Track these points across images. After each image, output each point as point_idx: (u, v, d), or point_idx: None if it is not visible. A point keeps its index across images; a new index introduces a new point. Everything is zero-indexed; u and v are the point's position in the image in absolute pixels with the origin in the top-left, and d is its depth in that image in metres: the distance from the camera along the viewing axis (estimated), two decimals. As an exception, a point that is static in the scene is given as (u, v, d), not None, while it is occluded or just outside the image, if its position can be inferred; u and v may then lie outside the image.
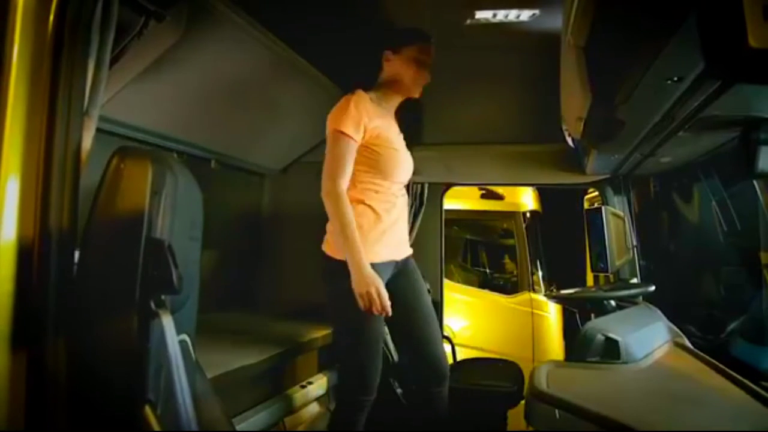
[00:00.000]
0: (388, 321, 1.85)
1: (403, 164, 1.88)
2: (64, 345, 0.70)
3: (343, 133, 1.73)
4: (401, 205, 1.89)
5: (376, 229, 1.78)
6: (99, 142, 0.98)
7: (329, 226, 1.80)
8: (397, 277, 1.85)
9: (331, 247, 1.79)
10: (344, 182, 1.71)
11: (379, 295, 1.64)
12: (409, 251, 1.95)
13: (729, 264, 2.35)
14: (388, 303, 1.65)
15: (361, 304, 1.64)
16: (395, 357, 2.35)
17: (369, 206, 1.78)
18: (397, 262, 1.86)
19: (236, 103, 2.26)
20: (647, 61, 1.05)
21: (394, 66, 1.88)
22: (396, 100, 1.93)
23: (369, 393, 1.77)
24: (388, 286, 1.72)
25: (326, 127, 1.79)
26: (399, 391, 2.36)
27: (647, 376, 1.55)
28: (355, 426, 1.78)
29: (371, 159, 1.79)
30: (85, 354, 0.70)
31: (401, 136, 1.94)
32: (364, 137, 1.76)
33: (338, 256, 1.72)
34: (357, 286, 1.64)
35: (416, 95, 1.91)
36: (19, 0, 0.70)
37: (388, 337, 2.36)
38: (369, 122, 1.76)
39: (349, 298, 1.66)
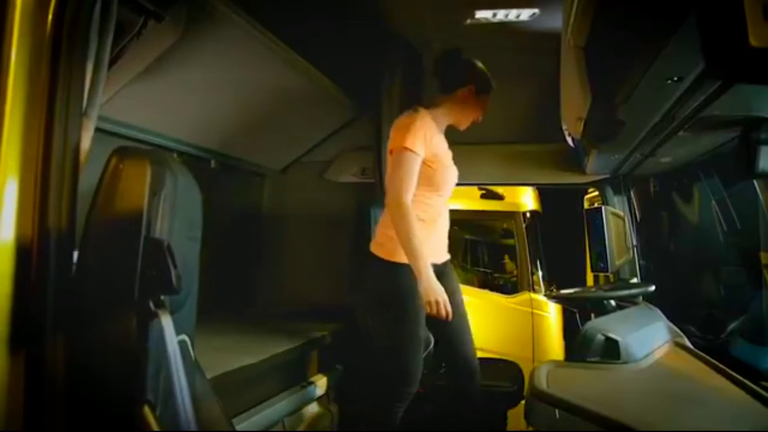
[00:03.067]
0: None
1: (451, 179, 2.02)
2: (63, 345, 0.70)
3: (410, 149, 1.84)
4: (445, 214, 2.04)
5: (426, 237, 1.88)
6: (98, 143, 0.98)
7: (384, 231, 1.93)
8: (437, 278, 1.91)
9: (385, 249, 1.91)
10: (410, 196, 1.83)
11: (444, 303, 1.78)
12: (447, 256, 2.08)
13: (729, 264, 2.35)
14: (450, 310, 1.80)
15: (428, 309, 1.78)
16: None
17: (420, 218, 1.89)
18: (437, 265, 1.95)
19: (236, 103, 2.26)
20: (647, 61, 1.05)
21: (465, 98, 2.02)
22: (446, 123, 2.07)
23: (413, 384, 1.88)
24: None
25: (390, 141, 1.92)
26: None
27: (647, 376, 1.55)
28: (395, 417, 1.89)
29: (427, 175, 1.91)
30: (83, 354, 0.70)
31: (449, 153, 2.07)
32: (425, 154, 1.89)
33: (393, 259, 1.86)
34: (426, 294, 1.77)
35: (462, 128, 2.08)
36: (18, 0, 0.70)
37: None
38: (430, 140, 1.90)
39: (399, 299, 1.84)
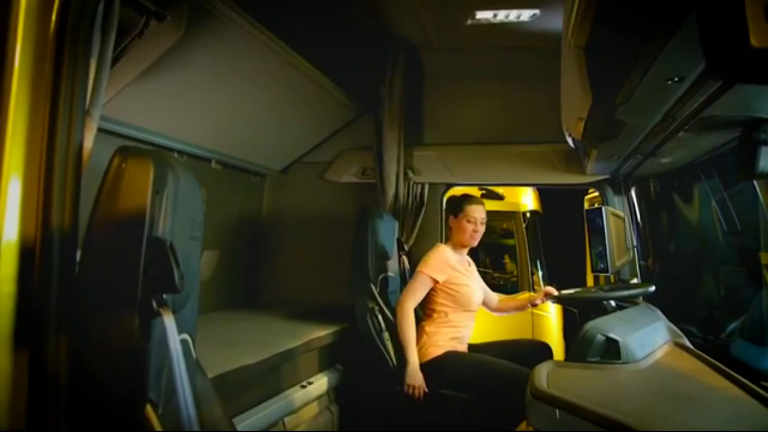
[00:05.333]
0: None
1: (474, 297, 2.39)
2: (66, 344, 0.70)
3: (426, 274, 2.32)
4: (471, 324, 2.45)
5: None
6: (100, 142, 0.98)
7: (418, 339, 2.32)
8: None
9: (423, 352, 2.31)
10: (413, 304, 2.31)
11: (420, 388, 2.17)
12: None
13: (729, 264, 2.35)
14: (422, 395, 2.17)
15: (407, 390, 2.16)
16: (395, 362, 2.35)
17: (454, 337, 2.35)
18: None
19: (236, 103, 2.26)
20: (648, 62, 1.06)
21: (454, 225, 2.43)
22: (463, 249, 2.45)
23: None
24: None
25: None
26: (397, 389, 2.36)
27: (647, 376, 1.55)
28: None
29: (449, 294, 2.34)
30: (86, 354, 0.70)
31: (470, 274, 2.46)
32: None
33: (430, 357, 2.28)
34: (409, 378, 2.17)
35: (474, 245, 2.44)
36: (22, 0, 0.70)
37: (389, 343, 2.37)
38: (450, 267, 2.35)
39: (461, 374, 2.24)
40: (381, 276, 2.53)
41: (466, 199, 2.44)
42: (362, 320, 2.38)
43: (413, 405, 2.19)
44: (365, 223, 2.51)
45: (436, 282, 2.31)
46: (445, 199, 2.96)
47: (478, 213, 2.39)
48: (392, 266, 2.66)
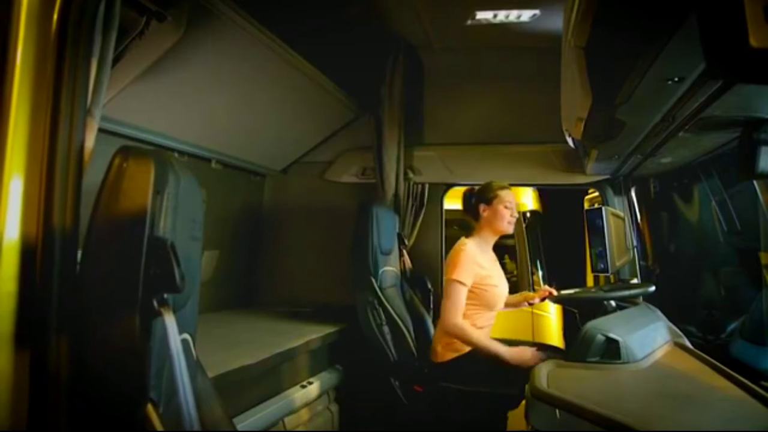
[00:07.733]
0: None
1: (502, 296, 2.30)
2: (67, 344, 0.70)
3: (459, 282, 2.17)
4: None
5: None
6: (100, 142, 0.98)
7: (443, 342, 2.23)
8: None
9: (453, 349, 2.21)
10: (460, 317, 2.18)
11: (533, 353, 2.09)
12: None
13: (729, 264, 2.35)
14: (536, 354, 2.09)
15: (528, 365, 1.96)
16: (395, 356, 2.35)
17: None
18: None
19: (237, 103, 2.26)
20: (648, 62, 1.06)
21: (488, 215, 2.31)
22: (493, 239, 2.37)
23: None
24: None
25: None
26: (397, 383, 2.36)
27: (647, 376, 1.55)
28: None
29: (476, 294, 2.22)
30: (87, 353, 0.70)
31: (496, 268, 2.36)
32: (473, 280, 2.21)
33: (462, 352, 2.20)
34: (519, 359, 2.07)
35: (510, 232, 2.37)
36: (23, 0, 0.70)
37: (389, 337, 2.36)
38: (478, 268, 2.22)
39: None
40: (381, 270, 2.53)
41: (494, 185, 2.34)
42: (363, 314, 2.38)
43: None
44: (366, 217, 2.50)
45: (466, 286, 2.19)
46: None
47: (512, 198, 2.32)
48: (393, 260, 2.66)
